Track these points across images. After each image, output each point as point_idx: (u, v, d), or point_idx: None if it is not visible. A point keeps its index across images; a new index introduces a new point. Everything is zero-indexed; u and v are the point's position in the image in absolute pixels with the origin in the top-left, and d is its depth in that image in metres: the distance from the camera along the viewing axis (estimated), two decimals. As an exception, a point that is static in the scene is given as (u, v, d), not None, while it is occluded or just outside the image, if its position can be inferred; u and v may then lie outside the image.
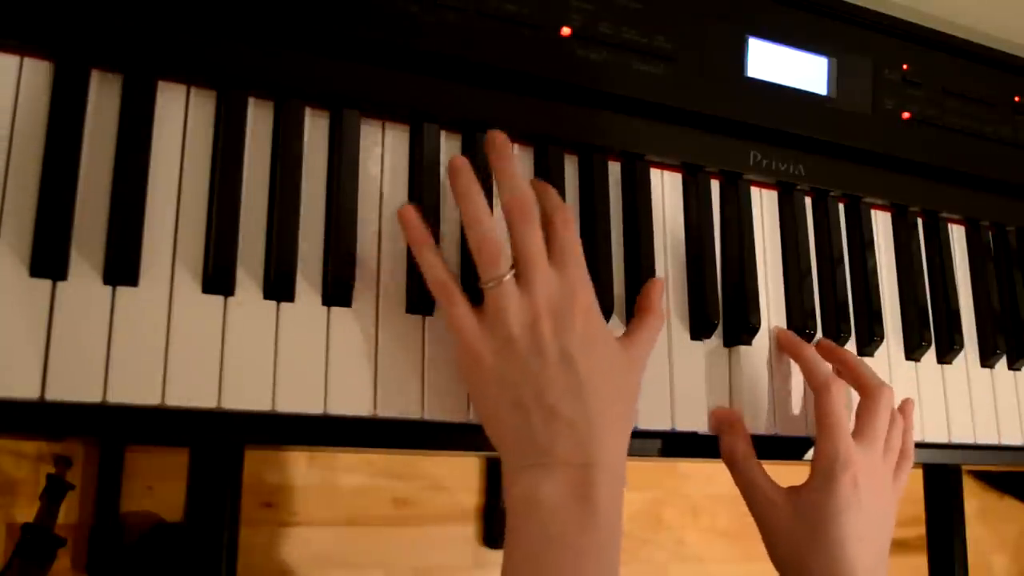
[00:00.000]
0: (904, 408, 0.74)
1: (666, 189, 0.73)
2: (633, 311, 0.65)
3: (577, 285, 0.56)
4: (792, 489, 0.67)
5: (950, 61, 0.83)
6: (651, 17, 0.70)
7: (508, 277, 0.55)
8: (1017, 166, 0.85)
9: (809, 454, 0.70)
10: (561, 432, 0.53)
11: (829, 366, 0.70)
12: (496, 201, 0.61)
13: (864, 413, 0.69)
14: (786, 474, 0.68)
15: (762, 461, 0.68)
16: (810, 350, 0.71)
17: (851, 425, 0.68)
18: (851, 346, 0.77)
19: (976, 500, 1.65)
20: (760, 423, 0.71)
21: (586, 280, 0.57)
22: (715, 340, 0.71)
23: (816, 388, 0.68)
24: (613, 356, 0.57)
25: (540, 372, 0.54)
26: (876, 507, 0.66)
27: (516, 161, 0.59)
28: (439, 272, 0.56)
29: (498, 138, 0.59)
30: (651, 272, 0.68)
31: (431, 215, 0.62)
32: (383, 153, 0.63)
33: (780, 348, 0.73)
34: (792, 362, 0.73)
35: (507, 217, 0.56)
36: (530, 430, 0.54)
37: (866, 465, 0.65)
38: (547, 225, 0.58)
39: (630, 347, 0.60)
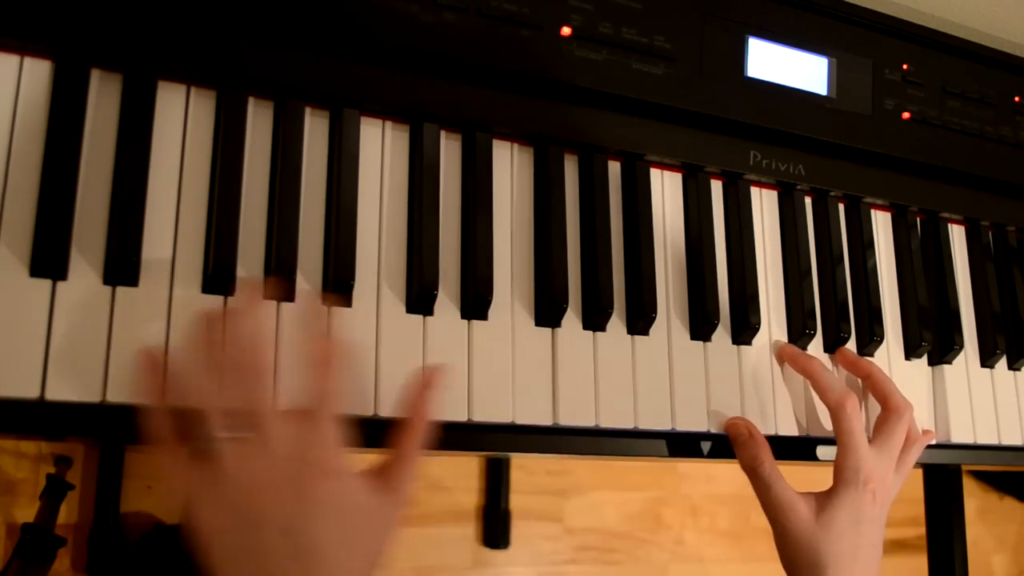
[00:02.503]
0: (924, 437, 0.75)
1: (666, 189, 0.73)
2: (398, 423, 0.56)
3: (319, 443, 0.50)
4: (812, 496, 0.68)
5: (950, 61, 0.83)
6: (651, 17, 0.70)
7: (221, 435, 0.49)
8: (1017, 166, 0.85)
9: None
10: None
11: (840, 380, 0.71)
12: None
13: (883, 427, 0.71)
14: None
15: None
16: (817, 364, 0.71)
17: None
18: (851, 346, 0.77)
19: (976, 500, 1.65)
20: (762, 423, 0.70)
21: (332, 434, 0.51)
22: (715, 340, 0.71)
23: (832, 406, 0.69)
24: (354, 514, 0.51)
25: (264, 542, 0.49)
26: (884, 514, 0.69)
27: (255, 305, 0.53)
28: (160, 426, 0.50)
29: (247, 284, 0.55)
30: (651, 272, 0.68)
31: (430, 215, 0.62)
32: (383, 153, 0.63)
33: (787, 363, 0.73)
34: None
35: (230, 375, 0.50)
36: None
37: (881, 478, 0.68)
38: (307, 368, 0.52)
39: (383, 491, 0.53)
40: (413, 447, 0.54)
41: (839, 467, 0.68)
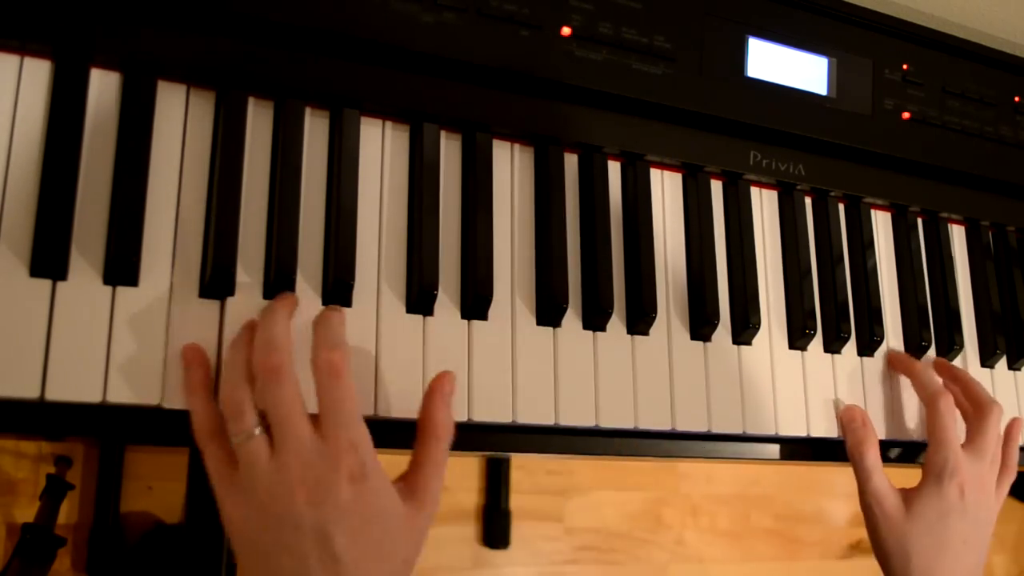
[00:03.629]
0: (1012, 426, 0.78)
1: (666, 189, 0.73)
2: (417, 428, 0.55)
3: (343, 450, 0.49)
4: (904, 490, 0.71)
5: (950, 61, 0.83)
6: (651, 17, 0.70)
7: (257, 434, 0.49)
8: (1017, 166, 0.85)
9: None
10: None
11: (939, 380, 0.74)
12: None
13: (976, 426, 0.74)
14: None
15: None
16: (920, 364, 0.75)
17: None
18: (851, 347, 0.77)
19: (976, 500, 1.65)
20: (761, 423, 0.71)
21: (357, 441, 0.50)
22: (715, 340, 0.71)
23: (927, 401, 0.73)
24: (386, 521, 0.51)
25: (293, 544, 0.48)
26: (980, 513, 0.71)
27: (281, 314, 0.53)
28: (204, 419, 0.51)
29: (279, 297, 0.55)
30: (651, 272, 0.68)
31: (430, 215, 0.62)
32: (383, 153, 0.63)
33: (892, 366, 0.77)
34: (794, 363, 0.73)
35: (256, 376, 0.50)
36: None
37: (973, 474, 0.71)
38: (315, 374, 0.51)
39: (411, 494, 0.53)
40: (436, 452, 0.54)
41: (928, 461, 0.71)
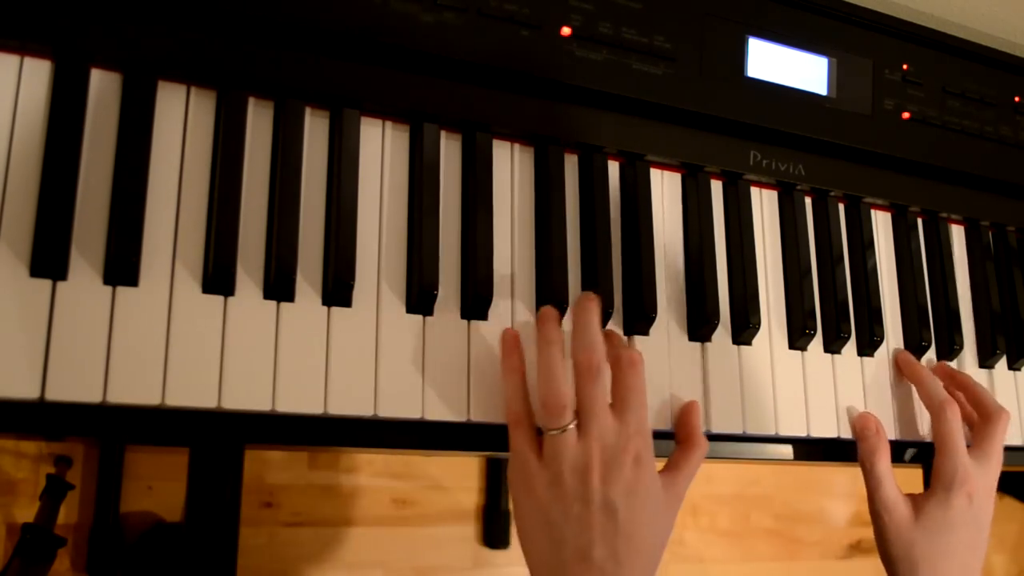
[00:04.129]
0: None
1: (666, 189, 0.73)
2: (676, 439, 0.65)
3: (632, 433, 0.58)
4: (913, 497, 0.71)
5: (950, 61, 0.83)
6: (651, 17, 0.70)
7: (570, 428, 0.57)
8: (1017, 166, 0.85)
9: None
10: (590, 574, 0.56)
11: (942, 387, 0.74)
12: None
13: (983, 433, 0.74)
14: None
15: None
16: (927, 372, 0.75)
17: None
18: (851, 347, 0.77)
19: (976, 500, 1.65)
20: (761, 423, 0.71)
21: (643, 427, 0.59)
22: (715, 340, 0.71)
23: (933, 410, 0.73)
24: (654, 502, 0.59)
25: (582, 516, 0.56)
26: (986, 518, 0.72)
27: (595, 316, 0.60)
28: (518, 403, 0.59)
29: (587, 298, 0.61)
30: (651, 272, 0.68)
31: (430, 215, 0.62)
32: (383, 153, 0.63)
33: (899, 370, 0.77)
34: (794, 363, 0.73)
35: (575, 371, 0.58)
36: (561, 564, 0.56)
37: (982, 482, 0.71)
38: (613, 366, 0.60)
39: (672, 485, 0.61)
40: (695, 460, 0.63)
41: (937, 470, 0.71)
